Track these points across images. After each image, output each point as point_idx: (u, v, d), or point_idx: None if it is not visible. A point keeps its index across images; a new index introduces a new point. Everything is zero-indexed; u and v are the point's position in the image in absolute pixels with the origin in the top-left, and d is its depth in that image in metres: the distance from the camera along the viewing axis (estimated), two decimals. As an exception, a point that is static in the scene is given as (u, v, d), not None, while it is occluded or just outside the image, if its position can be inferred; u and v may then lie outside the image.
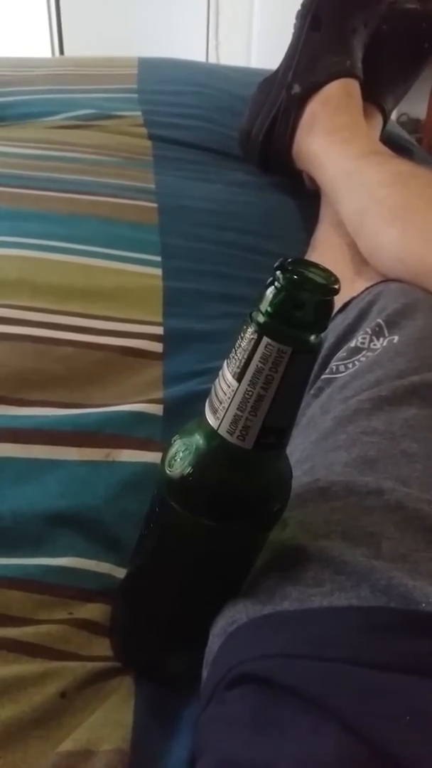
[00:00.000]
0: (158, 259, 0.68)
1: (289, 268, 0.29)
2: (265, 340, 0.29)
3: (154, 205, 0.76)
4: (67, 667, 0.40)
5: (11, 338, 0.56)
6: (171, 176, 0.82)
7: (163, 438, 0.51)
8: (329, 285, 0.29)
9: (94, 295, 0.62)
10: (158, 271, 0.67)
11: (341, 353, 0.52)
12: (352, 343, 0.52)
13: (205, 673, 0.37)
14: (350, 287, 0.61)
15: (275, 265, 0.30)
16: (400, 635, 0.31)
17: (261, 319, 0.29)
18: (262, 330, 0.29)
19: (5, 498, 0.47)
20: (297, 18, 0.82)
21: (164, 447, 0.35)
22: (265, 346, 0.29)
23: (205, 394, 0.33)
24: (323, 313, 0.30)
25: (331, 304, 0.30)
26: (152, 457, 0.50)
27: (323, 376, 0.51)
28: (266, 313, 0.29)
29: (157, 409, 0.54)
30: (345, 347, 0.52)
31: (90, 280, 0.64)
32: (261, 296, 0.30)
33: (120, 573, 0.44)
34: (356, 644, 0.31)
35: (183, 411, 0.52)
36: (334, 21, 0.80)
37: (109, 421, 0.52)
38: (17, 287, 0.61)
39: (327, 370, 0.52)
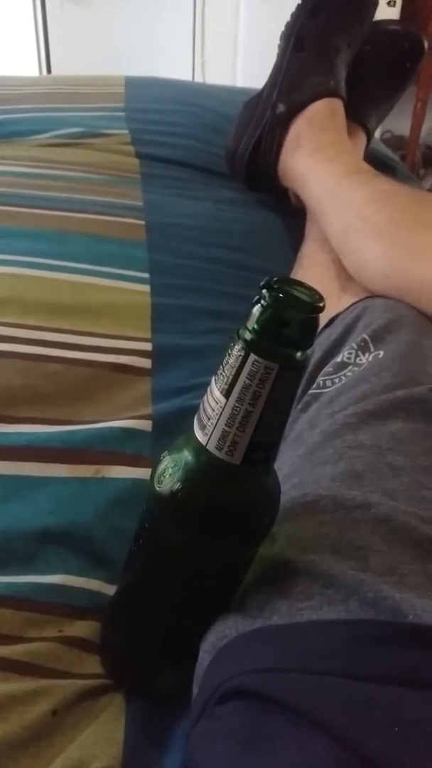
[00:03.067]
0: (146, 275, 0.69)
1: (275, 286, 0.30)
2: (252, 357, 0.30)
3: (142, 222, 0.77)
4: (58, 685, 0.40)
5: (0, 355, 0.57)
6: (158, 194, 0.83)
7: (153, 454, 0.51)
8: (314, 303, 0.30)
9: (82, 312, 0.63)
10: (146, 288, 0.67)
11: (328, 368, 0.53)
12: (339, 359, 0.53)
13: (195, 689, 0.37)
14: (336, 303, 0.62)
15: (261, 283, 0.30)
16: (387, 648, 0.32)
17: (248, 336, 0.30)
18: (249, 347, 0.30)
19: (-5, 515, 0.47)
20: (281, 38, 0.83)
21: (153, 463, 0.35)
22: (252, 363, 0.30)
23: (193, 409, 0.33)
24: (308, 330, 0.30)
25: (316, 321, 0.30)
26: (142, 473, 0.50)
27: (310, 391, 0.52)
28: (253, 331, 0.30)
29: (146, 425, 0.54)
30: (331, 362, 0.53)
31: (79, 297, 0.64)
32: (247, 314, 0.30)
33: (110, 590, 0.44)
34: (345, 657, 0.32)
35: (172, 427, 0.52)
36: (318, 41, 0.81)
37: (99, 437, 0.52)
38: (6, 304, 0.62)
39: (314, 385, 0.52)
